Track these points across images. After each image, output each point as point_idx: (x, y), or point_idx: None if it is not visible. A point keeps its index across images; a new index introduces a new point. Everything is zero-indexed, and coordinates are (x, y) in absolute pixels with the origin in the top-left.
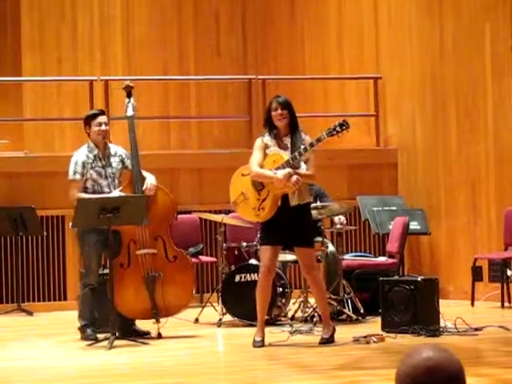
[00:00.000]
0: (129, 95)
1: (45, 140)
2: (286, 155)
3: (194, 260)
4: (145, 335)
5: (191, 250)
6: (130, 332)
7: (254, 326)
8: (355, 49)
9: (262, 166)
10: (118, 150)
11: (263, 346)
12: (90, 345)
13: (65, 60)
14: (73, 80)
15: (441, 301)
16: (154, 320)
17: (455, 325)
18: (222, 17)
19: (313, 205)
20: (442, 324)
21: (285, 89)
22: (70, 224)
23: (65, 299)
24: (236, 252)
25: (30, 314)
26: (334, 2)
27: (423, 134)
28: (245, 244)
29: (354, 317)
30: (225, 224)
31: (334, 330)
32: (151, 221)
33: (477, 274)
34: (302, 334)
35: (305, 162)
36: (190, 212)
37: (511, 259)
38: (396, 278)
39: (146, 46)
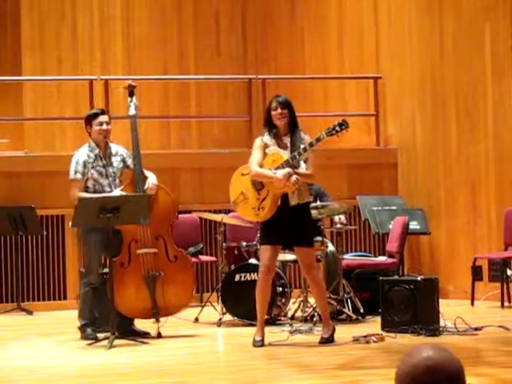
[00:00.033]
0: (131, 94)
1: (45, 139)
2: (285, 155)
3: (193, 259)
4: (144, 335)
5: (191, 249)
6: (128, 332)
7: (253, 325)
8: (355, 48)
9: (261, 166)
10: (119, 150)
11: (263, 345)
12: (89, 344)
13: (65, 59)
14: (73, 79)
15: (441, 300)
16: (153, 319)
17: (455, 324)
18: (222, 16)
19: (313, 204)
20: (441, 324)
21: (285, 88)
22: (70, 223)
23: (65, 298)
24: (236, 251)
25: (29, 313)
26: (334, 1)
27: (423, 133)
28: (244, 243)
29: (354, 316)
30: (225, 223)
31: (333, 330)
32: (152, 220)
33: (477, 273)
34: (302, 333)
35: (304, 162)
36: (190, 211)
37: (511, 259)
38: (396, 277)
39: (146, 46)
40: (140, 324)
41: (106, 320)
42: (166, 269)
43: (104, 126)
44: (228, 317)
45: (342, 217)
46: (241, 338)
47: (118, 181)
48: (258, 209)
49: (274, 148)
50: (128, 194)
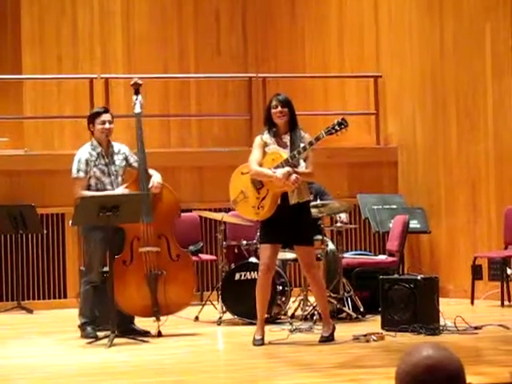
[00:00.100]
0: (136, 92)
1: (45, 138)
2: (285, 153)
3: (193, 258)
4: (144, 334)
5: (191, 248)
6: (129, 330)
7: (253, 324)
8: (355, 47)
9: (261, 165)
10: (122, 148)
11: (263, 344)
12: (89, 343)
13: (65, 58)
14: (73, 78)
15: (441, 299)
16: (154, 318)
17: (455, 323)
18: (222, 15)
19: (313, 203)
20: (441, 322)
21: (285, 87)
22: (70, 222)
23: (65, 297)
24: (236, 250)
25: (29, 311)
26: (334, 0)
27: (423, 132)
28: (245, 242)
29: (354, 315)
30: (225, 222)
31: (333, 329)
32: (156, 218)
33: (477, 272)
34: (302, 332)
35: (304, 160)
36: (190, 210)
37: (511, 258)
38: (396, 276)
39: (147, 44)
40: (140, 323)
41: (107, 319)
42: (168, 268)
43: (106, 125)
44: (228, 315)
45: (343, 215)
46: (241, 337)
47: (120, 179)
48: (258, 208)
49: (273, 147)
50: (130, 192)
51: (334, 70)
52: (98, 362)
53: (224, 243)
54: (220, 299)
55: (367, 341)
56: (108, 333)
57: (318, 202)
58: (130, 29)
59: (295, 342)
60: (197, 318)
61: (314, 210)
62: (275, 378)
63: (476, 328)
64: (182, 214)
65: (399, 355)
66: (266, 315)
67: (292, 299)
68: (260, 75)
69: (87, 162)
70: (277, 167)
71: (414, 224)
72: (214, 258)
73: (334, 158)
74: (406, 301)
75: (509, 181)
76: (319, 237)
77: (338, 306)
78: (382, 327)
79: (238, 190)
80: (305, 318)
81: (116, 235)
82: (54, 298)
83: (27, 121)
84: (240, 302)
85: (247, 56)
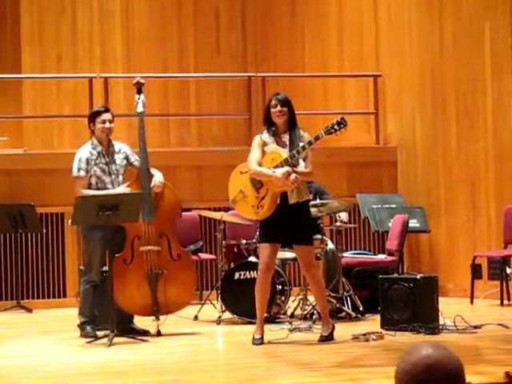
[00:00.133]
0: (139, 91)
1: (44, 137)
2: (284, 153)
3: (193, 257)
4: (143, 333)
5: (191, 247)
6: (128, 330)
7: (253, 323)
8: (355, 46)
9: (260, 164)
10: (123, 147)
11: (262, 343)
12: (89, 342)
13: (64, 57)
14: (72, 77)
15: (440, 299)
16: (153, 317)
17: (454, 323)
18: (221, 14)
19: (312, 202)
20: (441, 322)
21: (284, 86)
22: (70, 221)
23: (64, 296)
24: (235, 249)
25: (29, 311)
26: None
27: (423, 131)
28: (244, 241)
29: (354, 314)
30: (224, 221)
31: (333, 328)
32: (157, 218)
33: (476, 271)
34: (301, 331)
35: (303, 160)
36: (189, 209)
37: (510, 257)
38: (395, 275)
39: (146, 43)
40: (139, 322)
41: (106, 318)
42: (168, 267)
43: (107, 124)
44: (227, 315)
45: (342, 215)
46: (240, 336)
47: (121, 178)
48: (257, 207)
49: (272, 146)
50: (128, 191)
51: (334, 69)
52: (97, 361)
53: (223, 242)
54: (219, 298)
55: (366, 340)
56: (107, 332)
57: (318, 201)
58: (130, 28)
59: (294, 342)
60: (196, 318)
61: (313, 210)
62: (274, 377)
63: (475, 327)
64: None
65: (399, 354)
66: (266, 314)
67: (291, 298)
68: (259, 74)
69: (88, 161)
70: (276, 167)
71: (414, 223)
72: (213, 257)
73: (334, 157)
74: (406, 300)
75: (508, 179)
76: (319, 236)
77: (338, 305)
78: (382, 326)
79: (237, 189)
80: (304, 318)
81: (117, 234)
82: (54, 297)
83: (26, 120)
84: (239, 302)
85: (247, 55)
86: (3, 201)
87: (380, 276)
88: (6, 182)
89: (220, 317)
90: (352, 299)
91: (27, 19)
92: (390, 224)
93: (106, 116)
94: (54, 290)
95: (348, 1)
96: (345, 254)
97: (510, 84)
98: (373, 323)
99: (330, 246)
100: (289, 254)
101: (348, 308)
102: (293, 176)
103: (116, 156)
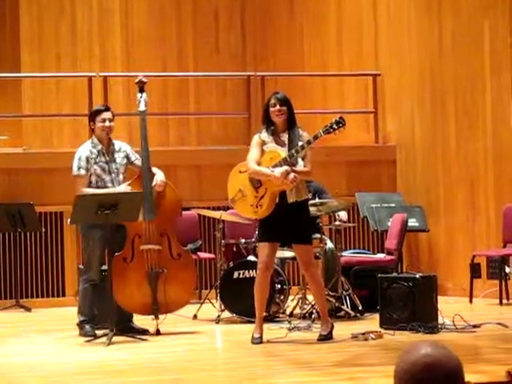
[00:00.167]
0: (141, 90)
1: (43, 136)
2: (283, 152)
3: (192, 256)
4: (143, 332)
5: (190, 246)
6: (127, 329)
7: (252, 322)
8: (354, 45)
9: (259, 163)
10: (123, 146)
11: (261, 342)
12: (88, 341)
13: (64, 56)
14: (72, 76)
15: (439, 298)
16: (152, 316)
17: (453, 322)
18: (221, 14)
19: (311, 201)
20: (440, 321)
21: (283, 85)
22: (69, 220)
23: (63, 295)
24: (234, 248)
25: (28, 309)
26: None
27: (422, 130)
28: (243, 240)
29: (353, 313)
30: (223, 220)
31: (332, 327)
32: (158, 216)
33: (475, 270)
34: (301, 330)
35: (302, 159)
36: (188, 208)
37: (510, 256)
38: (394, 274)
39: (145, 42)
40: (139, 321)
41: (105, 317)
42: (169, 266)
43: (107, 123)
44: (226, 314)
45: (341, 214)
46: (239, 335)
47: (121, 177)
48: (256, 206)
49: (271, 145)
50: (128, 190)
51: (333, 68)
52: (96, 360)
53: (222, 241)
54: (218, 297)
55: (366, 339)
56: (107, 331)
57: (317, 200)
58: (129, 27)
59: (293, 341)
60: (195, 317)
61: (312, 209)
62: (273, 376)
63: (474, 326)
64: None
65: (398, 353)
66: (265, 313)
67: (290, 298)
68: (259, 73)
69: (88, 160)
70: (275, 166)
71: (413, 222)
72: (212, 256)
73: (333, 156)
74: (405, 299)
75: (507, 179)
76: (318, 235)
77: (337, 304)
78: (381, 325)
79: (236, 188)
80: (303, 317)
81: (117, 232)
82: (53, 296)
83: (26, 119)
84: (238, 301)
85: (246, 54)
86: (2, 200)
87: (379, 275)
88: (5, 181)
89: (219, 316)
90: (351, 298)
91: (26, 18)
92: (389, 223)
93: (107, 115)
94: (53, 288)
95: (347, 0)
96: (344, 253)
97: (509, 83)
98: (372, 322)
99: (329, 245)
100: (288, 253)
101: (347, 307)
102: (292, 175)
103: (116, 155)
